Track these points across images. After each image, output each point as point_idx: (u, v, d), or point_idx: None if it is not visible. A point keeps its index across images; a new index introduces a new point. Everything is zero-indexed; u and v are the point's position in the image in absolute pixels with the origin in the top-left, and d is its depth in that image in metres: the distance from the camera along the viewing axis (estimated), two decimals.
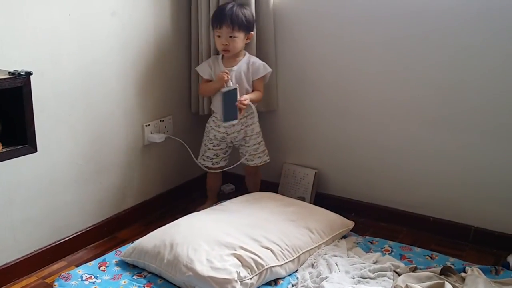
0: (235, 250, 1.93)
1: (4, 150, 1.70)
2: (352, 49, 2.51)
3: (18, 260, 2.09)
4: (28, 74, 1.70)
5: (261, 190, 2.66)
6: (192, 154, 2.66)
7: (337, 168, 2.73)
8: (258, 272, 1.89)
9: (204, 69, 2.54)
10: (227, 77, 2.39)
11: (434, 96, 2.37)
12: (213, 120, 2.57)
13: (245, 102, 2.40)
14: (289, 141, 2.83)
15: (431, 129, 2.41)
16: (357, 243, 2.24)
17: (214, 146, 2.59)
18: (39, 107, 1.90)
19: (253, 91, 2.52)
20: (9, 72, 1.69)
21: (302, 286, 1.90)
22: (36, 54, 1.99)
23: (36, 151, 1.79)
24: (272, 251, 1.98)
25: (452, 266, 1.99)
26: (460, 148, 2.37)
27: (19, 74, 1.68)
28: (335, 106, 2.63)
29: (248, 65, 2.49)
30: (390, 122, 2.51)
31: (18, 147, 1.75)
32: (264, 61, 2.55)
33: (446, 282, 1.81)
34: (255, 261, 1.90)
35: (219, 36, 2.43)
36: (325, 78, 2.62)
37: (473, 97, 2.29)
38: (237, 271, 1.83)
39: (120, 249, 2.16)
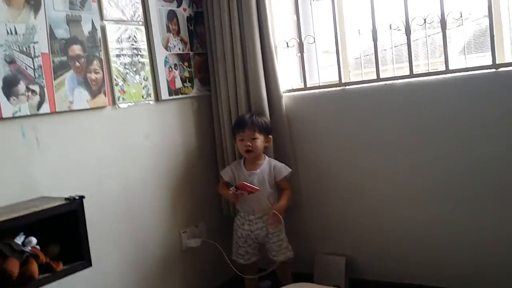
0: None
1: (65, 267, 1.94)
2: (363, 140, 2.76)
3: None
4: (81, 198, 1.98)
5: (296, 281, 2.77)
6: (225, 255, 2.83)
7: (367, 252, 2.86)
8: None
9: (226, 173, 2.80)
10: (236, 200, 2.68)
11: (446, 173, 2.56)
12: (238, 219, 2.79)
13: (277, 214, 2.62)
14: (317, 231, 3.00)
15: (452, 204, 2.57)
16: None
17: (243, 243, 2.78)
18: (88, 224, 2.10)
19: (280, 191, 2.75)
20: (65, 198, 1.97)
21: None
22: (83, 178, 2.28)
23: (91, 265, 2.03)
24: None
25: None
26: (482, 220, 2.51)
27: (73, 199, 1.96)
28: (355, 193, 2.83)
29: (270, 168, 2.75)
30: (410, 200, 2.68)
31: (76, 263, 1.98)
32: (284, 161, 2.82)
33: None
34: None
35: (242, 140, 2.70)
36: (343, 169, 2.85)
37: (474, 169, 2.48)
38: None
39: None
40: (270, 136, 2.78)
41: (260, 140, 2.70)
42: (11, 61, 1.95)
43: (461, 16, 2.46)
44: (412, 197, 2.67)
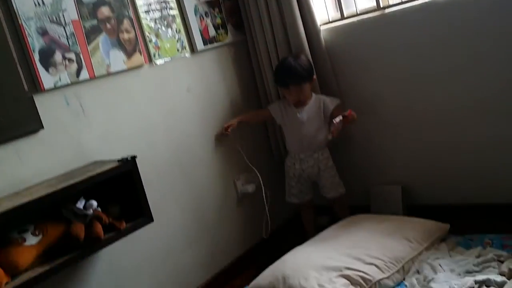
0: (342, 271, 2.08)
1: (128, 225, 2.01)
2: (407, 66, 2.66)
3: None
4: (133, 158, 2.02)
5: (353, 214, 2.78)
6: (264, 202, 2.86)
7: (422, 178, 2.82)
8: (367, 287, 2.03)
9: (274, 109, 2.77)
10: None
11: (496, 91, 2.45)
12: (289, 159, 2.79)
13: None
14: (369, 163, 2.97)
15: (503, 121, 2.48)
16: (457, 243, 2.31)
17: (296, 183, 2.79)
18: (144, 183, 2.13)
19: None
20: (118, 160, 2.01)
21: None
22: (132, 139, 2.32)
23: (152, 220, 2.09)
24: (376, 266, 2.12)
25: None
26: None
27: (126, 159, 2.00)
28: (403, 121, 2.77)
29: (319, 103, 2.71)
30: (459, 122, 2.60)
31: (138, 220, 2.05)
32: (329, 96, 2.77)
33: None
34: (363, 278, 2.05)
35: (289, 94, 2.66)
36: (389, 98, 2.77)
37: None
38: None
39: None
40: (314, 77, 2.71)
41: (307, 88, 2.65)
42: (43, 33, 1.97)
43: None
44: (463, 120, 2.59)
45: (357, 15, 2.77)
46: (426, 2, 2.52)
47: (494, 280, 1.79)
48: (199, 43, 2.65)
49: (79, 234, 1.84)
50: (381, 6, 2.68)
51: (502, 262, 1.99)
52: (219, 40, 2.78)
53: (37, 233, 1.80)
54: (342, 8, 2.81)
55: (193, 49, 2.64)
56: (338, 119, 2.50)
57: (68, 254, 1.83)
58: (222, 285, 2.67)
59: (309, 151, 2.70)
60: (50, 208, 1.87)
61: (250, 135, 2.97)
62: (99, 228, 1.90)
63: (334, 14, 2.90)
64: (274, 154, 3.07)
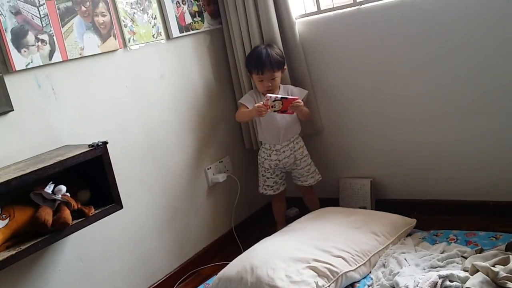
0: (309, 263, 2.10)
1: (97, 211, 1.99)
2: (380, 61, 2.69)
3: None
4: (105, 143, 1.99)
5: (322, 206, 2.82)
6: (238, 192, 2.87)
7: (390, 173, 2.87)
8: (334, 279, 2.06)
9: (248, 99, 2.74)
10: (265, 111, 2.52)
11: (465, 89, 2.51)
12: (263, 151, 2.79)
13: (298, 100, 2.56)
14: (340, 157, 3.00)
15: (471, 119, 2.54)
16: (422, 238, 2.36)
17: (271, 174, 2.80)
18: (115, 170, 2.11)
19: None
20: (89, 145, 1.98)
21: (377, 285, 2.05)
22: (104, 124, 2.29)
23: (122, 207, 2.07)
24: (343, 258, 2.15)
25: None
26: (504, 131, 2.48)
27: (97, 145, 1.97)
28: (375, 116, 2.81)
29: (287, 94, 2.71)
30: (429, 119, 2.65)
31: (107, 206, 2.03)
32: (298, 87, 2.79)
33: (511, 256, 1.91)
34: (330, 270, 2.07)
35: (261, 81, 2.65)
36: (361, 93, 2.81)
37: (498, 83, 2.41)
38: (315, 281, 2.01)
39: (207, 282, 2.38)
40: (285, 67, 2.73)
41: (278, 77, 2.67)
42: (16, 12, 1.91)
43: None
44: (432, 117, 2.64)
45: (333, 9, 2.78)
46: (401, 0, 2.55)
47: (458, 275, 1.84)
48: (174, 30, 2.62)
49: (46, 219, 1.81)
50: (358, 1, 2.70)
51: (465, 258, 2.04)
52: (195, 28, 2.76)
53: (4, 216, 1.76)
54: (319, 1, 2.82)
55: (168, 35, 2.61)
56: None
57: (36, 239, 1.80)
58: (190, 274, 2.67)
59: (285, 141, 2.71)
60: (18, 192, 1.83)
61: (222, 124, 2.97)
62: (67, 213, 1.87)
63: (311, 7, 2.90)
64: (245, 143, 3.07)
